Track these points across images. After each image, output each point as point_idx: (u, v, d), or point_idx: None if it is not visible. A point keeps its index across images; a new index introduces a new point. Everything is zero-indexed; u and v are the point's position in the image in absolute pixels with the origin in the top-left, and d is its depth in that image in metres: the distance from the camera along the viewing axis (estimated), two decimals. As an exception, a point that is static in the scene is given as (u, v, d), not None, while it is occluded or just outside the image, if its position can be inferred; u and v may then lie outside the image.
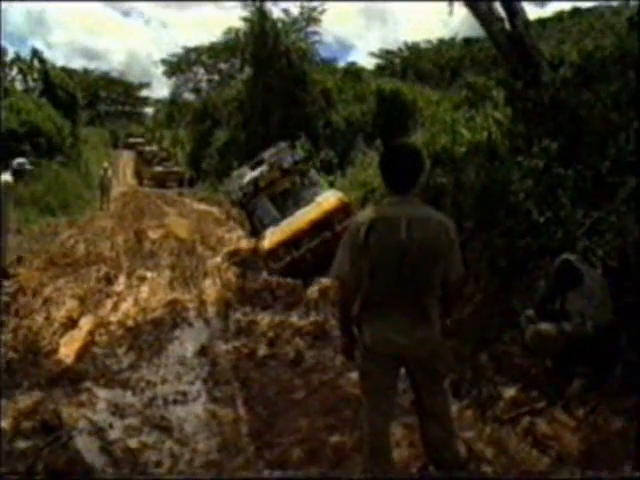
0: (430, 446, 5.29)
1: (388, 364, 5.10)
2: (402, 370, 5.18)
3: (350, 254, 4.99)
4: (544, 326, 7.18)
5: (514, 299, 8.55)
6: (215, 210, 28.98)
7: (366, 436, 5.18)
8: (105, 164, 37.06)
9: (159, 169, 53.83)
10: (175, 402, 7.83)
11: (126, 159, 67.02)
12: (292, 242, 14.40)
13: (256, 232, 16.22)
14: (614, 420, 6.20)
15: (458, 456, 5.37)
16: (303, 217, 15.01)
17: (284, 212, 15.79)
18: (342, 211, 14.65)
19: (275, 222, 15.52)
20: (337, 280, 5.16)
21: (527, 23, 11.38)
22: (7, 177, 12.79)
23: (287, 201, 16.24)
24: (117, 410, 7.50)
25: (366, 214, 5.07)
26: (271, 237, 14.88)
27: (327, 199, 15.57)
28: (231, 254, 17.43)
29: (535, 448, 6.10)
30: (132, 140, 74.13)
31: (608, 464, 5.61)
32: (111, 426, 7.07)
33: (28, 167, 14.45)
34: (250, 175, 16.54)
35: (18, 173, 13.70)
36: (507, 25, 11.35)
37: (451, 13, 13.87)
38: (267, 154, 16.94)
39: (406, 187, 4.97)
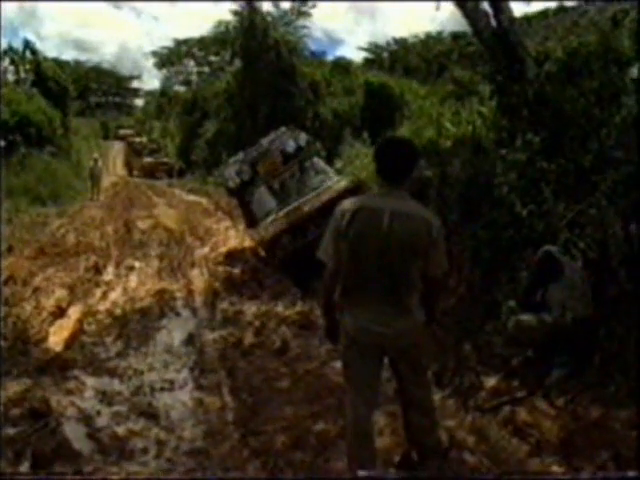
0: (412, 434, 5.45)
1: (370, 353, 5.18)
2: (386, 359, 5.30)
3: (333, 239, 5.08)
4: (525, 317, 7.30)
5: (497, 290, 8.65)
6: (204, 201, 29.02)
7: (350, 423, 5.26)
8: (95, 155, 37.08)
9: (149, 160, 53.94)
10: (162, 390, 7.89)
11: (116, 150, 66.99)
12: (298, 230, 13.32)
13: (254, 222, 14.88)
14: (593, 409, 6.30)
15: (440, 443, 5.55)
16: (310, 202, 13.85)
17: (286, 201, 14.45)
18: (354, 193, 11.68)
19: (276, 210, 14.25)
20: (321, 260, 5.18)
21: (512, 19, 11.46)
22: None
23: (290, 189, 14.88)
24: (105, 397, 7.56)
25: (352, 202, 5.14)
26: (273, 225, 13.80)
27: (338, 182, 14.55)
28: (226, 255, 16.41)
29: (515, 436, 6.17)
30: (122, 132, 74.20)
31: (586, 452, 5.72)
32: (99, 413, 7.13)
33: (1, 144, 13.95)
34: (248, 158, 15.26)
35: None
36: (493, 21, 11.43)
37: (438, 8, 13.96)
38: (267, 140, 15.63)
39: (398, 178, 5.04)
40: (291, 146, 15.03)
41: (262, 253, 14.69)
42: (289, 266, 12.82)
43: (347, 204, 5.12)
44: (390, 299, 5.06)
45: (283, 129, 16.03)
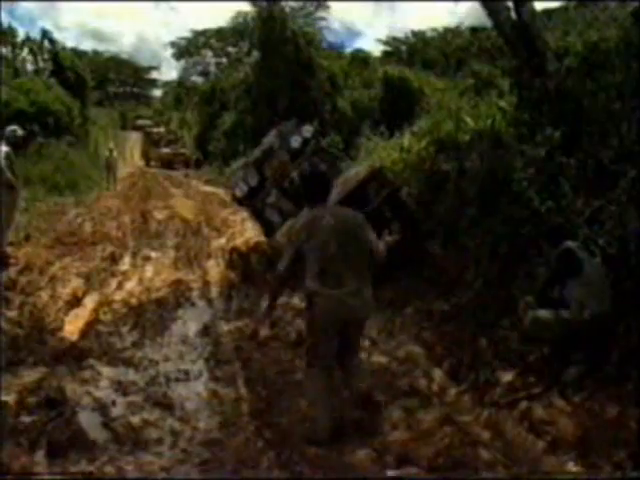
0: (349, 383, 6.70)
1: (333, 332, 6.37)
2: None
3: (291, 239, 6.58)
4: (542, 313, 7.26)
5: (514, 286, 8.62)
6: (221, 192, 28.97)
7: (319, 392, 6.45)
8: (110, 145, 37.19)
9: (166, 151, 54.00)
10: (177, 380, 7.89)
11: (134, 140, 67.01)
12: None
13: (271, 230, 13.15)
14: (610, 406, 6.28)
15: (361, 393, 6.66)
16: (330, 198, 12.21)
17: (302, 202, 12.80)
18: (376, 180, 12.08)
19: (294, 215, 11.70)
20: (276, 245, 6.54)
21: (533, 13, 11.39)
22: (3, 147, 12.44)
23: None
24: (120, 387, 7.56)
25: (305, 215, 6.66)
26: None
27: (357, 172, 13.06)
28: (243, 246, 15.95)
29: (531, 432, 6.17)
30: (140, 122, 74.20)
31: (603, 450, 5.69)
32: (114, 403, 7.13)
33: (20, 133, 13.87)
34: (253, 160, 14.10)
35: (12, 142, 13.15)
36: (513, 15, 11.36)
37: (457, 3, 13.84)
38: (269, 138, 14.46)
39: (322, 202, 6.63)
40: (296, 141, 13.81)
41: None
42: None
43: (302, 217, 6.70)
44: (355, 278, 6.35)
45: (286, 124, 14.88)
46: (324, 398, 6.43)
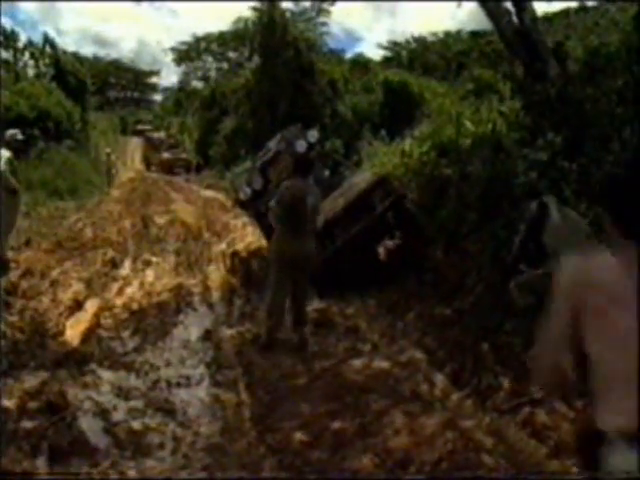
0: (295, 312, 9.59)
1: (287, 265, 9.38)
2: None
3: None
4: (521, 277, 7.25)
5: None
6: (221, 197, 28.98)
7: (269, 305, 9.47)
8: (108, 149, 37.26)
9: (167, 156, 53.96)
10: (179, 385, 7.89)
11: (135, 145, 66.97)
12: (324, 236, 11.38)
13: (271, 235, 11.85)
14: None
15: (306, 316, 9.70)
16: (334, 204, 12.30)
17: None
18: (381, 186, 12.18)
19: None
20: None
21: (534, 18, 11.39)
22: (4, 152, 12.28)
23: None
24: (121, 392, 7.56)
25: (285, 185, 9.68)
26: None
27: (362, 177, 13.29)
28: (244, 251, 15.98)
29: (534, 438, 6.14)
30: (140, 127, 74.18)
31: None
32: (115, 408, 7.12)
33: (20, 137, 13.72)
34: (257, 164, 13.94)
35: (14, 146, 12.95)
36: (515, 19, 11.36)
37: (459, 5, 13.84)
38: (273, 142, 14.29)
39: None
40: (302, 146, 13.61)
41: None
42: (319, 279, 10.98)
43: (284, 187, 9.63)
44: (303, 232, 9.37)
45: (291, 129, 14.72)
46: (270, 310, 9.53)
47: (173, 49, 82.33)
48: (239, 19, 49.71)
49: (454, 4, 13.87)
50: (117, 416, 6.95)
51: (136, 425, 6.74)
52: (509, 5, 11.53)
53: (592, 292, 2.78)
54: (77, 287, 11.89)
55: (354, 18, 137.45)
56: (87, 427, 6.56)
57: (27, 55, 41.26)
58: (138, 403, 7.32)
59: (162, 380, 8.01)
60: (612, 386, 2.75)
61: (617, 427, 2.70)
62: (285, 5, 39.46)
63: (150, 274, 13.72)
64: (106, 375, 8.10)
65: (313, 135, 14.03)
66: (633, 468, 2.67)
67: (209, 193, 32.41)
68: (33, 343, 8.87)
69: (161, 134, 63.02)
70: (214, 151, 43.58)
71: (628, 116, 8.89)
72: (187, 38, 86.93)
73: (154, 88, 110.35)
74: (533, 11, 11.46)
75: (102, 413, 6.97)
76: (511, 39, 11.52)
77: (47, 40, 42.66)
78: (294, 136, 13.93)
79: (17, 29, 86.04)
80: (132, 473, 5.76)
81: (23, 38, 43.53)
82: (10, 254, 13.16)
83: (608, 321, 2.74)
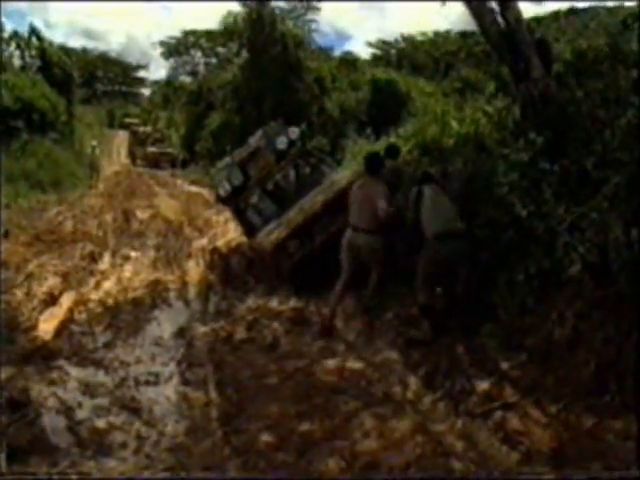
0: None
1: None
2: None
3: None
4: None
5: (494, 292, 8.52)
6: (205, 192, 28.84)
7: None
8: (93, 142, 37.11)
9: (152, 150, 53.92)
10: (147, 383, 7.79)
11: (121, 139, 66.85)
12: (303, 233, 11.67)
13: (252, 230, 13.23)
14: (586, 418, 6.18)
15: None
16: (313, 201, 12.27)
17: (285, 205, 12.86)
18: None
19: (276, 217, 12.66)
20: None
21: (519, 18, 11.29)
22: None
23: (288, 191, 13.41)
24: (87, 389, 7.46)
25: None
26: (276, 231, 12.09)
27: (343, 175, 13.13)
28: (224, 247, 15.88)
29: (505, 443, 6.05)
30: (127, 120, 74.05)
31: (578, 462, 5.58)
32: (80, 405, 7.02)
33: None
34: (237, 160, 13.62)
35: None
36: (500, 19, 11.29)
37: (443, 4, 13.70)
38: (255, 138, 13.96)
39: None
40: (282, 142, 13.53)
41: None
42: (297, 276, 11.41)
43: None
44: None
45: (272, 124, 14.55)
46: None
47: (162, 43, 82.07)
48: (228, 14, 49.44)
49: (443, 5, 13.73)
50: (81, 414, 6.85)
51: (100, 423, 6.64)
52: (494, 4, 11.44)
53: None
54: (53, 281, 11.80)
55: (344, 16, 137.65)
56: (49, 425, 6.47)
57: (13, 46, 41.01)
58: (104, 401, 7.22)
59: (130, 377, 7.91)
60: None
61: None
62: (274, 2, 39.24)
63: (128, 269, 13.65)
64: (74, 371, 8.00)
65: (294, 132, 13.83)
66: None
67: (193, 188, 32.31)
68: (2, 337, 8.73)
69: (147, 128, 62.92)
70: (200, 146, 43.50)
71: (610, 118, 8.81)
72: (176, 33, 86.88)
73: (142, 82, 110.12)
74: (518, 11, 11.35)
75: (66, 411, 6.88)
76: (495, 38, 11.43)
77: (33, 31, 42.39)
78: (275, 132, 13.74)
79: (4, 21, 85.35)
80: (92, 473, 5.63)
81: (9, 29, 43.35)
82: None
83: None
